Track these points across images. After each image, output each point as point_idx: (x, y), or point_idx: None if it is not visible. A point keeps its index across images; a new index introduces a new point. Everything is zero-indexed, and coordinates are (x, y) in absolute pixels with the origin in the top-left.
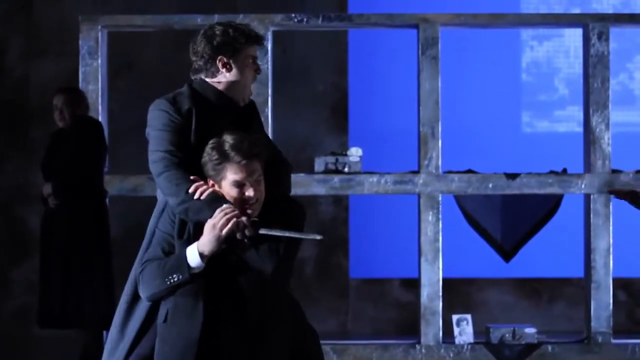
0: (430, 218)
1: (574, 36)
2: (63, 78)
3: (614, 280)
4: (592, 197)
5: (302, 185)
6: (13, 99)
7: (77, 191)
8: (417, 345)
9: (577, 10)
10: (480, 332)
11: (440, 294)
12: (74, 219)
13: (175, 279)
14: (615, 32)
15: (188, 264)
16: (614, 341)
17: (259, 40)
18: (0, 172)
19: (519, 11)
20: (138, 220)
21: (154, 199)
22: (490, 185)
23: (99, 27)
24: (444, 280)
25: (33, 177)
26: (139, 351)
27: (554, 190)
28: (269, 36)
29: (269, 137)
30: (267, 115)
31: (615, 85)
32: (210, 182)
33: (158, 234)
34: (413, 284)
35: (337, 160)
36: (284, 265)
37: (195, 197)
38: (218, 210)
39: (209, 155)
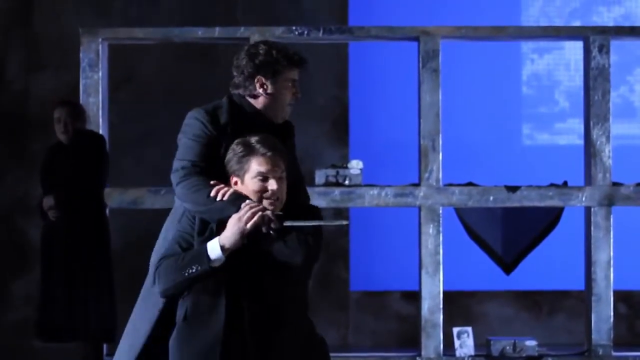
0: (430, 231)
1: (574, 49)
2: (63, 91)
3: (614, 292)
4: (592, 209)
5: None
6: (13, 111)
7: (79, 204)
8: (417, 358)
9: (577, 23)
10: (481, 344)
11: (441, 306)
12: (74, 231)
13: (194, 270)
14: (616, 45)
15: (208, 256)
16: (614, 354)
17: (301, 63)
18: (0, 184)
19: (519, 24)
20: (138, 232)
21: (154, 212)
22: (491, 198)
23: (100, 39)
24: (444, 292)
25: (33, 189)
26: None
27: (555, 203)
28: None
29: (298, 162)
30: None
31: (615, 98)
32: (233, 180)
33: (176, 234)
34: (414, 297)
35: (337, 172)
36: (313, 254)
37: (218, 199)
38: (244, 204)
39: (233, 150)
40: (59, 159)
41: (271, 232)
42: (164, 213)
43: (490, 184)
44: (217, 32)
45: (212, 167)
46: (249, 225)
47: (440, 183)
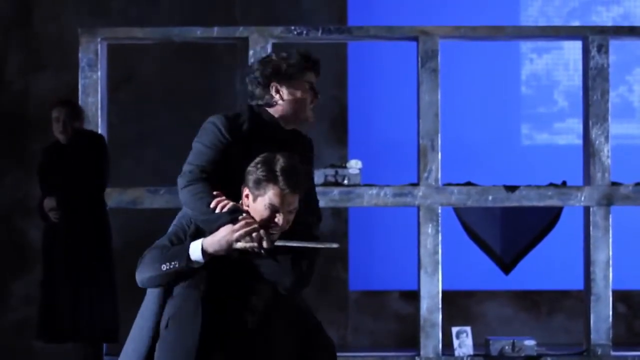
0: (429, 230)
1: (573, 49)
2: (62, 91)
3: (613, 292)
4: (591, 209)
5: None
6: (12, 112)
7: (79, 204)
8: (416, 358)
9: (576, 23)
10: (480, 344)
11: (440, 306)
12: (75, 231)
13: (171, 267)
14: (615, 45)
15: (188, 255)
16: (613, 353)
17: (314, 67)
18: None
19: (518, 24)
20: (137, 232)
21: (153, 211)
22: (490, 198)
23: (99, 39)
24: (443, 292)
25: (33, 190)
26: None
27: (554, 202)
28: (269, 48)
29: (313, 176)
30: None
31: (614, 98)
32: (245, 192)
33: (172, 229)
34: (412, 297)
35: (336, 172)
36: (304, 280)
37: (217, 211)
38: (241, 218)
39: (256, 167)
40: (57, 160)
41: (262, 251)
42: (164, 213)
43: (489, 184)
44: (215, 31)
45: (223, 173)
46: (239, 245)
47: (439, 183)
